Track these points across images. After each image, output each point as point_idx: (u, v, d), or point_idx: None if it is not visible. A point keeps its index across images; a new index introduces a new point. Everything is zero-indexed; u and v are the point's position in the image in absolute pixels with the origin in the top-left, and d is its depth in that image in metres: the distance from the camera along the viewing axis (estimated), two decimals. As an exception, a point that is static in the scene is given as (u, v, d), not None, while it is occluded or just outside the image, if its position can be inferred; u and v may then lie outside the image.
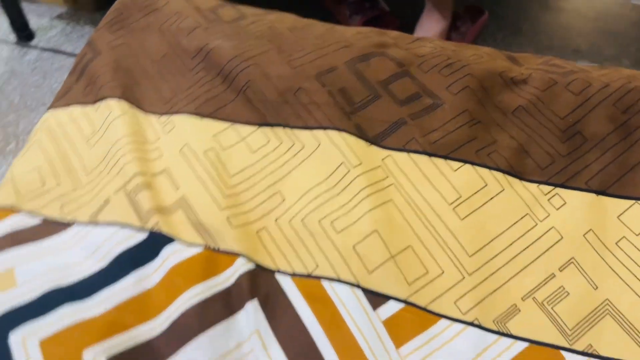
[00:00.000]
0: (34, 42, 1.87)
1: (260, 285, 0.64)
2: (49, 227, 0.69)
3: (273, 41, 0.82)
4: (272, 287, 0.64)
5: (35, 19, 1.92)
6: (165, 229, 0.66)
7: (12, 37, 1.87)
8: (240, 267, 0.64)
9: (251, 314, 0.62)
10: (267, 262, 0.66)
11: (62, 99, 0.81)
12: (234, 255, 0.65)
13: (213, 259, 0.65)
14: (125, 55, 0.83)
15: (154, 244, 0.66)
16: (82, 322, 0.60)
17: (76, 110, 0.80)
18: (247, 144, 0.74)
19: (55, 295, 0.62)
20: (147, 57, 0.83)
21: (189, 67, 0.81)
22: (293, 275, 0.65)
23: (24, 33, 1.86)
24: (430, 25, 1.62)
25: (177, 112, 0.78)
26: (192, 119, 0.77)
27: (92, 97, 0.80)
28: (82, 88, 0.81)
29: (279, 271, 0.66)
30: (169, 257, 0.65)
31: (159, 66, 0.82)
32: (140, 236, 0.66)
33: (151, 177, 0.71)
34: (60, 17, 1.96)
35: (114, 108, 0.77)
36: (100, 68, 0.81)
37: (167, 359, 0.59)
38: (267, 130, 0.75)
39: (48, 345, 0.58)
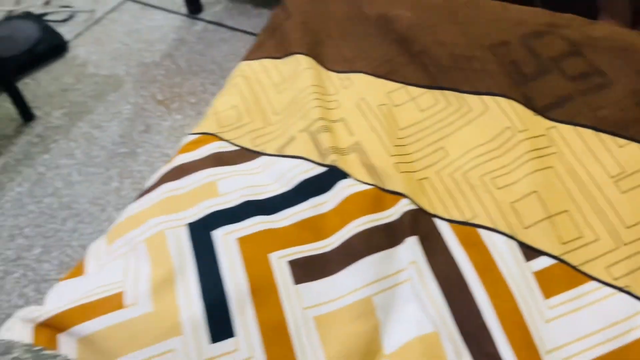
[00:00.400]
0: (201, 15, 2.11)
1: (419, 224, 0.73)
2: (244, 154, 0.83)
3: (450, 13, 0.90)
4: (430, 229, 0.73)
5: (204, -6, 2.16)
6: (341, 166, 0.78)
7: (184, 9, 2.13)
8: (404, 206, 0.74)
9: (410, 247, 0.71)
10: (427, 207, 0.75)
11: (255, 52, 0.96)
12: (398, 195, 0.75)
13: (380, 196, 0.75)
14: (312, 18, 0.96)
15: (331, 177, 0.77)
16: (269, 230, 0.73)
17: (267, 62, 0.94)
18: (416, 103, 0.83)
19: (249, 207, 0.75)
20: (332, 21, 0.95)
21: (369, 31, 0.92)
22: (450, 221, 0.73)
23: (194, 6, 2.11)
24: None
25: (355, 71, 0.89)
26: (369, 77, 0.87)
27: (282, 52, 0.94)
28: (273, 44, 0.95)
29: (437, 216, 0.74)
30: (343, 189, 0.76)
31: (342, 29, 0.94)
32: (320, 169, 0.78)
33: (330, 123, 0.83)
34: (225, -6, 2.19)
35: (301, 62, 0.90)
36: (291, 28, 0.95)
37: (336, 272, 0.70)
38: (436, 92, 0.83)
39: (243, 242, 0.71)
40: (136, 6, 2.19)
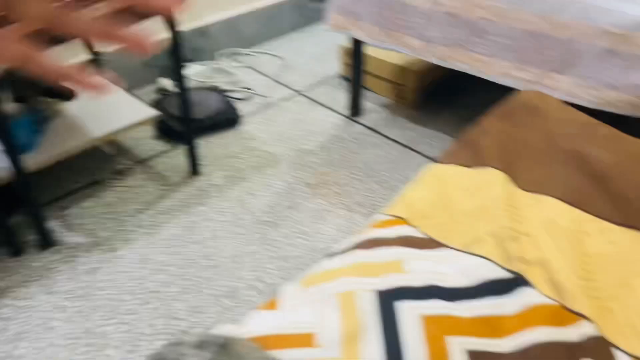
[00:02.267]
0: (360, 119, 2.33)
1: (599, 351, 0.75)
2: (430, 242, 0.91)
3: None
4: (608, 357, 0.74)
5: (366, 101, 2.40)
6: (526, 276, 0.83)
7: (346, 111, 2.37)
8: (585, 329, 0.76)
9: (588, 370, 0.72)
10: (608, 335, 0.77)
11: (447, 158, 1.08)
12: (581, 317, 0.78)
13: (563, 314, 0.79)
14: (508, 141, 1.07)
15: (515, 283, 0.82)
16: (449, 316, 0.79)
17: (458, 168, 1.05)
18: (605, 236, 0.89)
19: (433, 290, 0.82)
20: (527, 147, 1.05)
21: (562, 162, 1.01)
22: (631, 355, 0.74)
23: (355, 110, 2.35)
24: None
25: (545, 193, 0.96)
26: (558, 202, 0.95)
27: (475, 163, 1.04)
28: (466, 154, 1.07)
29: (617, 347, 0.76)
30: (526, 297, 0.80)
31: (535, 156, 1.04)
32: (504, 273, 0.84)
33: (517, 234, 0.90)
34: (385, 105, 2.42)
35: (494, 174, 1.00)
36: (486, 144, 1.06)
37: (512, 372, 0.73)
38: (629, 231, 0.88)
39: (425, 320, 0.77)
40: (305, 100, 2.47)
